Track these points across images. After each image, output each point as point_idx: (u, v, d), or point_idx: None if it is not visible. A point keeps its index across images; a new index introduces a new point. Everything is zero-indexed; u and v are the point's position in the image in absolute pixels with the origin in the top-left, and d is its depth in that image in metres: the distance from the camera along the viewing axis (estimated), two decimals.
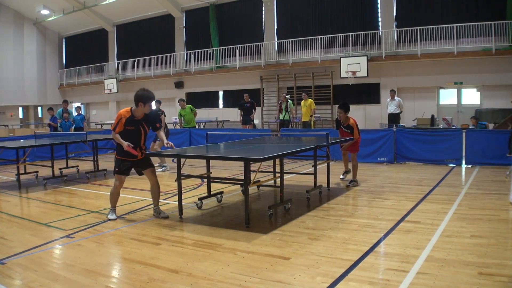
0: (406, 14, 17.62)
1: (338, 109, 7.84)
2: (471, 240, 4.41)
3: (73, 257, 4.21)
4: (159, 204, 5.90)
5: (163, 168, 10.10)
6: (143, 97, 5.36)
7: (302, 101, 14.97)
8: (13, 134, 18.22)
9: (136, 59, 24.67)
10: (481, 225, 4.98)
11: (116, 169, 5.58)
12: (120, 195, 7.46)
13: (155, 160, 9.21)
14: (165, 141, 5.80)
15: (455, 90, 17.32)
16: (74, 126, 13.90)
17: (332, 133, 9.60)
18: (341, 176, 8.27)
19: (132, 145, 5.40)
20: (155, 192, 5.78)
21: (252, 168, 5.43)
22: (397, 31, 17.50)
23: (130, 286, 3.51)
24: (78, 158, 11.22)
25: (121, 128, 5.41)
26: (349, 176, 7.99)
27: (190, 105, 14.15)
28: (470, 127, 12.82)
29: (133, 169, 5.73)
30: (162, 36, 24.62)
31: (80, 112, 15.25)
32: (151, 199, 5.89)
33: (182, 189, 5.93)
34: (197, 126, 17.44)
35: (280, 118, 15.52)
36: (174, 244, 4.57)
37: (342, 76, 17.54)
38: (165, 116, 15.63)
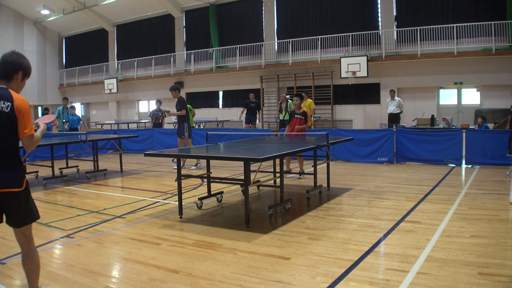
0: (406, 14, 17.62)
1: (295, 98, 8.75)
2: (471, 240, 4.41)
3: (73, 257, 4.21)
4: None
5: (197, 166, 10.27)
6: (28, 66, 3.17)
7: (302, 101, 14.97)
8: None
9: (136, 59, 24.66)
10: (481, 225, 4.98)
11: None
12: (121, 195, 7.49)
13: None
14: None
15: (455, 90, 17.32)
16: (69, 126, 13.81)
17: (332, 133, 9.62)
18: (300, 176, 8.43)
19: None
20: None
21: (252, 168, 5.43)
22: (397, 31, 17.50)
23: (130, 286, 3.51)
24: (78, 158, 11.22)
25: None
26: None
27: (189, 105, 14.14)
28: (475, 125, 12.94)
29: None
30: (162, 36, 24.62)
31: (75, 113, 14.46)
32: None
33: (182, 189, 5.93)
34: (196, 126, 17.44)
35: (280, 118, 15.52)
36: (174, 244, 4.57)
37: (342, 76, 17.53)
38: (165, 116, 15.71)
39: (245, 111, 15.78)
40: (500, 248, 4.17)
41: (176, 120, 12.39)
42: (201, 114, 23.05)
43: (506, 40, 15.08)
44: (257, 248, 4.35)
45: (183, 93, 23.11)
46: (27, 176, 9.29)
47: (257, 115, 15.78)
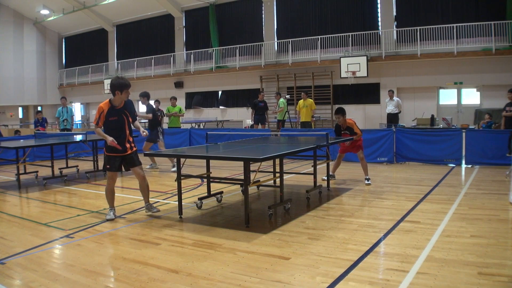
0: (406, 14, 17.63)
1: (336, 115, 8.06)
2: (471, 240, 4.41)
3: (73, 257, 4.20)
4: (150, 201, 6.01)
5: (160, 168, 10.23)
6: (119, 85, 5.40)
7: (301, 101, 14.75)
8: (20, 134, 18.07)
9: (136, 59, 24.67)
10: (481, 225, 4.97)
11: (108, 166, 5.60)
12: (120, 195, 7.47)
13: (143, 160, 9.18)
14: (141, 129, 5.91)
15: (455, 90, 17.33)
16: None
17: (332, 133, 9.60)
18: (324, 177, 7.81)
19: (116, 141, 5.45)
20: (144, 189, 5.84)
21: (252, 168, 5.43)
22: (397, 31, 17.50)
23: (130, 286, 3.51)
24: (78, 158, 11.22)
25: (103, 120, 5.47)
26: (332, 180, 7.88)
27: (180, 106, 14.04)
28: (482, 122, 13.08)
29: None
30: (162, 36, 24.62)
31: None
32: (141, 197, 6.03)
33: (182, 189, 5.93)
34: (195, 126, 17.36)
35: (278, 118, 15.42)
36: (174, 244, 4.57)
37: (342, 76, 17.54)
38: (164, 115, 15.65)
39: (253, 112, 14.70)
40: (500, 248, 4.17)
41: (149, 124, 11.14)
42: (201, 114, 23.07)
43: (506, 40, 15.09)
44: (257, 248, 4.35)
45: (183, 93, 23.16)
46: (26, 176, 9.35)
47: (266, 115, 15.00)
